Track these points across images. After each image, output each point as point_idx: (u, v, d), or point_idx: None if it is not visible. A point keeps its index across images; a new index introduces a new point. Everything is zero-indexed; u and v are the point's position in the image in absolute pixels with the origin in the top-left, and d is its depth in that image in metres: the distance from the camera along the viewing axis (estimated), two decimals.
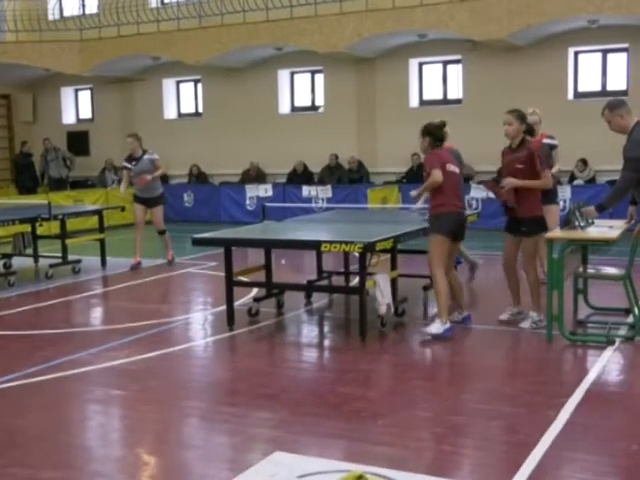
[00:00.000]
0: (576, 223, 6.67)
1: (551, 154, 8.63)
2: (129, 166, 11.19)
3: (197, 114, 19.19)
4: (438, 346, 6.81)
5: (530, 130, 7.25)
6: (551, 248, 6.58)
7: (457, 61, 16.11)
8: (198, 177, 18.17)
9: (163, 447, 4.75)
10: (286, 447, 4.52)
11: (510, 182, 7.03)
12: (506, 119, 7.12)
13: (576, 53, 15.11)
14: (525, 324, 7.16)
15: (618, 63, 14.85)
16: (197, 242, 7.74)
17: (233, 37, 16.45)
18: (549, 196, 8.29)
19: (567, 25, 14.28)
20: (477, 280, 9.70)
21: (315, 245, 7.28)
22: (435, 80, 16.61)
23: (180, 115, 19.56)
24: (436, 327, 6.94)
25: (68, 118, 20.85)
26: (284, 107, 17.99)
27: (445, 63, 16.42)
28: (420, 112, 16.32)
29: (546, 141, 8.63)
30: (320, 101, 17.69)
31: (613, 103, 6.68)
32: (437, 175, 6.93)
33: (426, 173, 7.08)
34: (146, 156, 11.08)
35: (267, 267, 8.15)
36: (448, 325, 6.95)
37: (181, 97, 19.55)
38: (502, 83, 15.09)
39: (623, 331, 6.97)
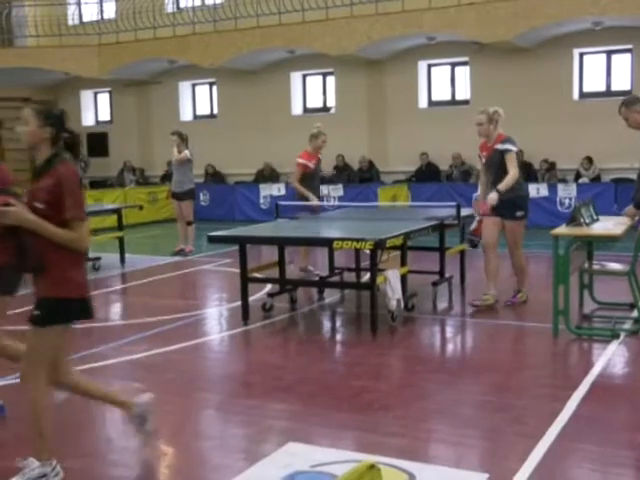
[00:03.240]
0: (581, 220, 6.69)
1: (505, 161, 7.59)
2: (172, 160, 12.39)
3: (212, 116, 19.44)
4: (446, 341, 7.02)
5: (72, 143, 4.22)
6: (556, 244, 6.61)
7: (465, 63, 16.29)
8: (214, 176, 18.53)
9: (180, 438, 4.76)
10: (300, 438, 4.56)
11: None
12: None
13: (581, 54, 15.27)
14: None
15: (622, 64, 15.02)
16: (213, 240, 7.80)
17: (247, 41, 16.65)
18: (510, 209, 7.72)
19: (572, 27, 14.43)
20: (478, 274, 9.02)
21: (327, 242, 7.46)
22: (443, 81, 16.81)
23: (196, 117, 19.80)
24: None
25: (87, 120, 21.19)
26: (296, 108, 18.20)
27: (453, 65, 16.61)
28: (429, 113, 16.62)
29: (498, 147, 7.66)
30: (331, 102, 17.88)
31: (629, 100, 6.73)
32: None
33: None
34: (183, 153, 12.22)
35: (280, 264, 8.17)
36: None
37: (197, 99, 19.80)
38: (509, 84, 15.22)
39: (628, 325, 7.02)
